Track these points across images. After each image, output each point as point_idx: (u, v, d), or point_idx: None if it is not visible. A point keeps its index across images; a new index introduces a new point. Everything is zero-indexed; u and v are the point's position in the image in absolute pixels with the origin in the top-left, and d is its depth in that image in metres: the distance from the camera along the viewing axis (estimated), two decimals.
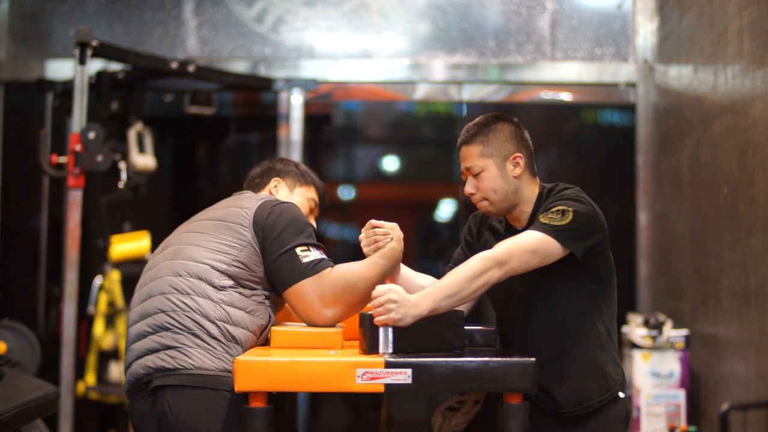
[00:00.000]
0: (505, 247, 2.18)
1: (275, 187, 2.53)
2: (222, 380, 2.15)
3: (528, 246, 2.18)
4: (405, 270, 2.48)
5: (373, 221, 2.37)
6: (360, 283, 2.24)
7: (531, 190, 2.40)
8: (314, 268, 2.21)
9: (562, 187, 2.40)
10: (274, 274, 2.25)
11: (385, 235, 2.35)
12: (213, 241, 2.26)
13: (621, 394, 2.35)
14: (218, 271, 2.22)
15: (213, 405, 2.14)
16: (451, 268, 2.40)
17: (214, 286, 2.21)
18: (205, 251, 2.25)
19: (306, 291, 2.20)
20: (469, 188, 2.37)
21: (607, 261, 2.34)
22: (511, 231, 2.41)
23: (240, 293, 2.23)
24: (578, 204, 2.29)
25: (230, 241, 2.25)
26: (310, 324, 2.23)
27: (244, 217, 2.27)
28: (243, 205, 2.32)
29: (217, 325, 2.19)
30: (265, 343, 2.33)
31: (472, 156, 2.35)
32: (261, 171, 2.58)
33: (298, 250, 2.22)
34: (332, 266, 2.25)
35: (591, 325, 2.31)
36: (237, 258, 2.23)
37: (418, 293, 2.12)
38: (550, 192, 2.39)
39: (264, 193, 2.49)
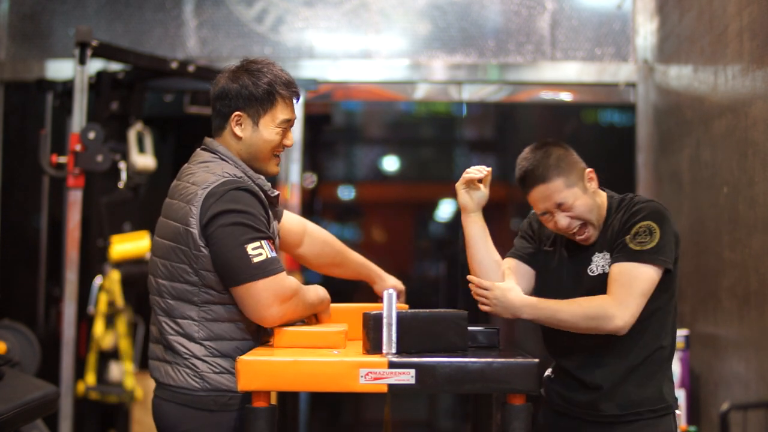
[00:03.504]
0: (622, 293, 2.18)
1: (237, 123, 2.26)
2: (203, 400, 2.18)
3: (642, 288, 2.19)
4: (488, 238, 2.37)
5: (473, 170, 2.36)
6: (307, 302, 2.24)
7: (603, 201, 2.37)
8: (265, 269, 2.13)
9: (637, 199, 2.34)
10: (221, 271, 2.17)
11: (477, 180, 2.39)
12: (178, 253, 2.18)
13: (678, 411, 2.34)
14: (193, 285, 2.18)
15: (193, 423, 2.19)
16: (516, 255, 2.44)
17: (195, 304, 2.19)
18: (175, 268, 2.19)
19: (253, 294, 2.13)
20: (564, 222, 2.29)
21: (677, 269, 2.33)
22: (576, 248, 2.36)
23: (222, 303, 2.19)
24: (659, 215, 2.27)
25: (188, 247, 2.17)
26: (256, 320, 2.19)
27: (192, 217, 2.15)
28: (190, 200, 2.17)
29: (204, 346, 2.19)
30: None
31: (558, 191, 2.27)
32: (216, 106, 2.29)
33: (248, 247, 2.12)
34: (284, 271, 2.17)
35: (657, 335, 2.29)
36: (199, 266, 2.16)
37: (526, 298, 2.24)
38: (620, 204, 2.34)
39: (214, 171, 2.22)
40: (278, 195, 2.37)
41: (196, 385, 2.18)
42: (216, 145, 2.29)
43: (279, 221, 2.56)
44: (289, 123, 2.30)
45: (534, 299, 2.26)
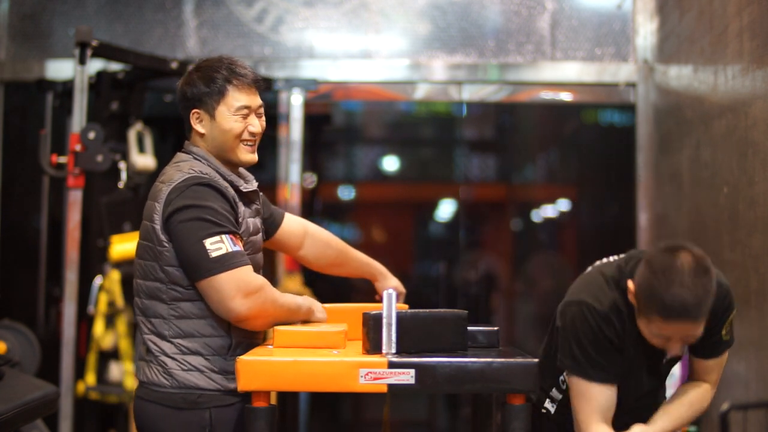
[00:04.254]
0: (716, 377, 2.30)
1: (198, 120, 2.30)
2: (172, 397, 2.19)
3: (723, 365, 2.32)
4: None
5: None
6: (276, 304, 2.21)
7: None
8: (224, 264, 2.12)
9: (726, 295, 2.23)
10: (183, 266, 2.18)
11: None
12: (147, 250, 2.22)
13: None
14: (161, 283, 2.20)
15: (165, 422, 2.20)
16: (614, 381, 2.18)
17: (164, 302, 2.21)
18: (146, 266, 2.22)
19: (215, 288, 2.13)
20: (678, 351, 2.13)
21: None
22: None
23: (189, 300, 2.20)
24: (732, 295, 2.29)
25: (154, 244, 2.19)
26: (223, 315, 2.18)
27: (156, 214, 2.19)
28: (156, 197, 2.22)
29: (173, 344, 2.21)
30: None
31: (698, 328, 2.06)
32: (180, 110, 2.34)
33: (206, 242, 2.12)
34: (247, 266, 2.16)
35: None
36: (164, 262, 2.18)
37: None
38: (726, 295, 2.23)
39: (181, 169, 2.25)
40: (255, 191, 2.37)
41: (165, 382, 2.20)
42: (190, 146, 2.33)
43: (279, 222, 2.57)
44: (248, 109, 2.30)
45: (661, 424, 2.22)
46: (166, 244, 2.18)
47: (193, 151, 2.31)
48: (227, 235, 2.15)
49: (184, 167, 2.25)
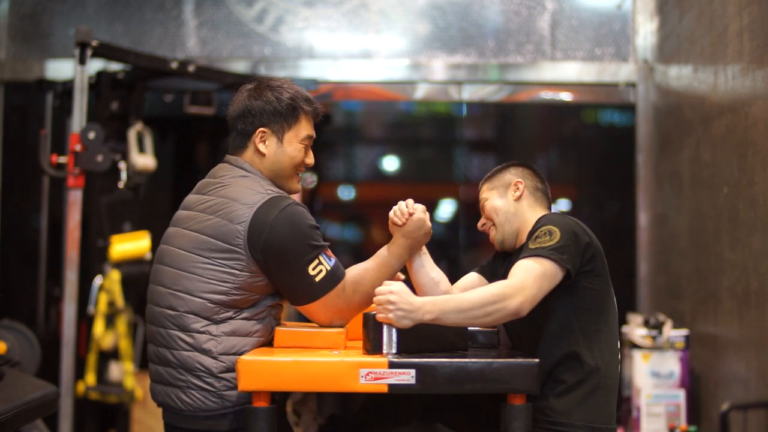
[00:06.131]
0: (518, 276, 2.09)
1: (262, 139, 2.24)
2: (220, 420, 2.13)
3: (537, 271, 2.10)
4: (425, 258, 2.41)
5: (408, 202, 2.37)
6: (373, 291, 2.16)
7: (533, 219, 2.33)
8: (326, 285, 2.14)
9: (549, 214, 2.34)
10: (284, 292, 2.19)
11: (401, 215, 2.34)
12: (207, 267, 2.12)
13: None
14: (216, 304, 2.11)
15: None
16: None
17: (215, 322, 2.13)
18: (199, 281, 2.12)
19: (320, 309, 2.18)
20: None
21: (602, 287, 2.22)
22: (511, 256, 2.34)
23: (243, 318, 2.15)
24: (562, 221, 2.21)
25: (226, 266, 2.11)
26: (335, 324, 2.24)
27: (238, 237, 2.10)
28: (234, 218, 2.11)
29: (220, 360, 2.13)
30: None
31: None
32: (238, 125, 2.26)
33: (309, 268, 2.12)
34: (344, 276, 2.17)
35: (573, 356, 2.17)
36: (235, 285, 2.12)
37: (425, 298, 2.07)
38: (538, 221, 2.29)
39: (253, 187, 2.18)
40: None
41: (213, 405, 2.12)
42: (242, 162, 2.25)
43: None
44: (311, 140, 2.30)
45: (432, 297, 2.11)
46: (254, 268, 2.11)
47: (246, 168, 2.24)
48: (323, 252, 2.16)
49: (254, 185, 2.18)
